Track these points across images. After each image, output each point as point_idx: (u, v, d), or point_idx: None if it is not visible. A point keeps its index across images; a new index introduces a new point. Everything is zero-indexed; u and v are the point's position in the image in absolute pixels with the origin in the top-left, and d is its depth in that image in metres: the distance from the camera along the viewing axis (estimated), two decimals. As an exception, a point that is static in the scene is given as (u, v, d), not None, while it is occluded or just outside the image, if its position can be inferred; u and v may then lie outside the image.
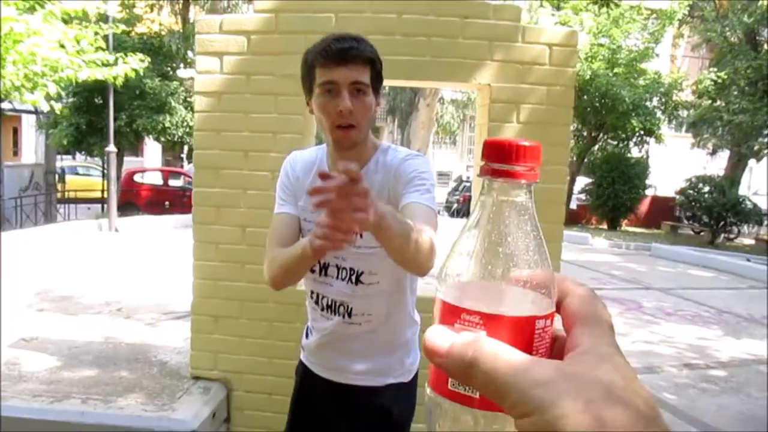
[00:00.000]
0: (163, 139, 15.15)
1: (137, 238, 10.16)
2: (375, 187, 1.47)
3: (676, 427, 3.93)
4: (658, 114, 18.10)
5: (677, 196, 17.55)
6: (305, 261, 1.39)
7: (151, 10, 16.90)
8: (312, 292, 1.65)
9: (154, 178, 16.10)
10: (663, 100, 18.27)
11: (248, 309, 3.06)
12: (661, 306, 7.40)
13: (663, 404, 4.29)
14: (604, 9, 16.30)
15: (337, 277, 1.58)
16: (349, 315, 1.59)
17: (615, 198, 16.28)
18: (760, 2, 17.42)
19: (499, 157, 0.44)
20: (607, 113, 16.10)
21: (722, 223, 15.42)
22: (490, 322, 0.41)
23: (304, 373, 1.77)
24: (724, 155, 20.12)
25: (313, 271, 1.59)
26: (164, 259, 8.05)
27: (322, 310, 1.63)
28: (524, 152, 0.44)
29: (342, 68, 1.39)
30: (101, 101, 12.96)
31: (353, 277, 1.57)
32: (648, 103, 17.45)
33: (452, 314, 0.42)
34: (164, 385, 3.19)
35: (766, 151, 18.74)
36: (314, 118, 1.54)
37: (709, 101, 18.23)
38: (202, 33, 2.93)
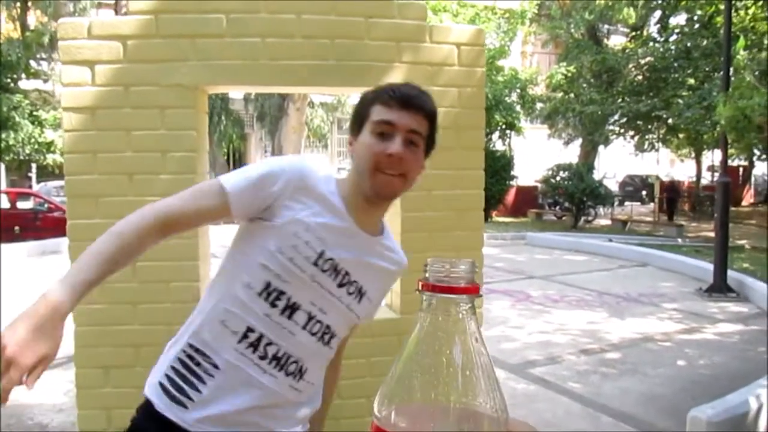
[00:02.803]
0: (7, 158, 13.70)
1: (-15, 273, 8.95)
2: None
3: (587, 417, 4.01)
4: (517, 108, 19.15)
5: (539, 185, 18.61)
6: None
7: (-16, 15, 15.10)
8: (249, 329, 1.26)
9: (-1, 202, 14.42)
10: (521, 94, 19.36)
11: (144, 355, 2.64)
12: (547, 294, 7.70)
13: (571, 394, 4.37)
14: (463, 9, 16.88)
15: (306, 328, 1.28)
16: (301, 377, 1.30)
17: (485, 191, 16.93)
18: (597, 1, 18.91)
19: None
20: (472, 109, 16.70)
21: (582, 207, 16.51)
22: None
23: None
24: (577, 143, 21.69)
25: (274, 305, 1.25)
26: (23, 295, 7.12)
27: (262, 358, 1.25)
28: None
29: (404, 112, 1.27)
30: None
31: (326, 336, 1.31)
32: (508, 98, 18.39)
33: None
34: (47, 455, 2.72)
35: (612, 138, 20.47)
36: (351, 156, 1.35)
37: (561, 94, 19.59)
38: (66, 38, 2.49)
